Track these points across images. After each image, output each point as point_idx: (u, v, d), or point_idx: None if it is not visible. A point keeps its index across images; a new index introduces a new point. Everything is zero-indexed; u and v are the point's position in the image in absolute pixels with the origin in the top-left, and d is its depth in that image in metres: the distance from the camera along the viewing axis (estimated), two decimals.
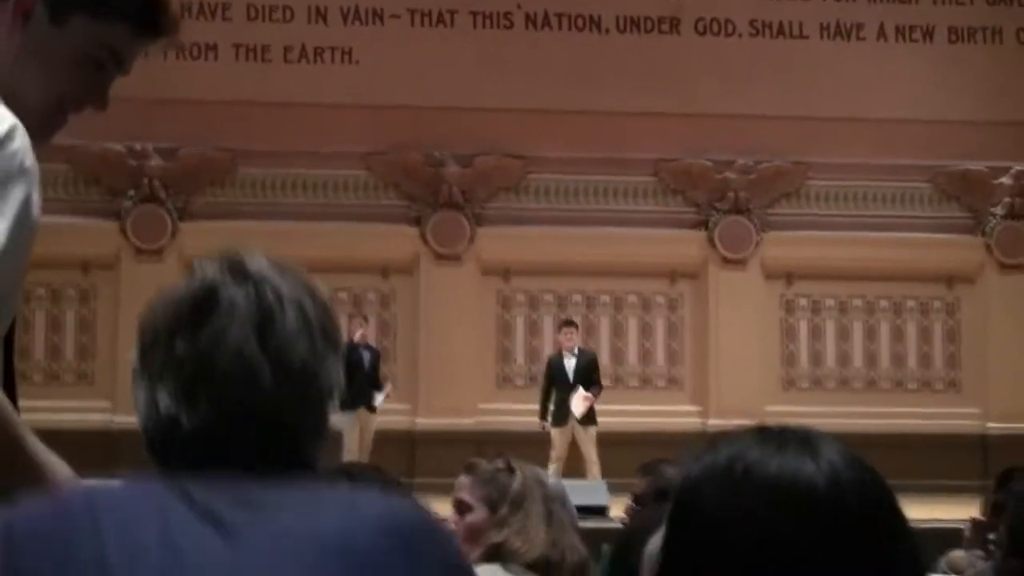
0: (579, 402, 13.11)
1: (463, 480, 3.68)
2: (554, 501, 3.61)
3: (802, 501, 1.36)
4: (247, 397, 1.50)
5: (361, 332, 13.87)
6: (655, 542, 1.48)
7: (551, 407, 13.37)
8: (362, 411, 13.54)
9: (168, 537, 1.40)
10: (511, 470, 3.60)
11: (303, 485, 1.50)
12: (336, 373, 1.57)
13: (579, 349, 13.68)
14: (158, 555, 1.39)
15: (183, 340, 1.52)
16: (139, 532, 1.40)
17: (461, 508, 3.61)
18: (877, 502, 1.41)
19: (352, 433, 13.40)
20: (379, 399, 13.78)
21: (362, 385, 13.48)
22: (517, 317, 15.77)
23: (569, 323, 14.06)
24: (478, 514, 3.56)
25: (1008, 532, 2.64)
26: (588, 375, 13.41)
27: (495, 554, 3.43)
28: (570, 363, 13.46)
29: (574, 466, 13.14)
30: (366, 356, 13.80)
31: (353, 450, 13.31)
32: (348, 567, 1.41)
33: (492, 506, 3.54)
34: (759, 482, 1.37)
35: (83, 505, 1.44)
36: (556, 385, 13.43)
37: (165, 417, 1.51)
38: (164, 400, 1.51)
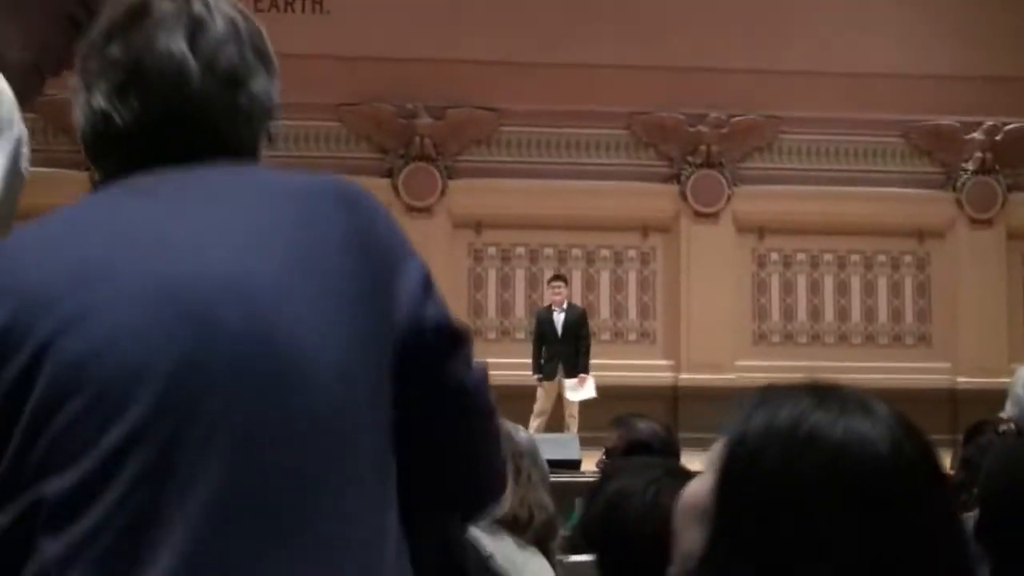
0: (579, 390, 13.19)
1: None
2: (523, 457, 3.58)
3: (867, 467, 1.38)
4: (177, 94, 1.55)
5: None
6: (694, 487, 1.47)
7: (540, 362, 13.41)
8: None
9: (111, 214, 1.48)
10: None
11: (232, 168, 1.57)
12: (270, 92, 1.64)
13: (568, 304, 13.71)
14: (103, 231, 1.46)
15: (116, 45, 1.57)
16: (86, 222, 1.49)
17: None
18: (933, 468, 1.43)
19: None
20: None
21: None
22: (489, 270, 15.74)
23: (558, 277, 14.07)
24: None
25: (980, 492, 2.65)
26: (577, 330, 13.46)
27: None
28: (559, 318, 13.49)
29: (551, 420, 13.20)
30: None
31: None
32: (294, 204, 1.50)
33: None
34: (825, 446, 1.38)
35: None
36: (545, 340, 13.46)
37: (99, 113, 1.56)
38: (98, 100, 1.56)
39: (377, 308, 1.48)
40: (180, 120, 1.55)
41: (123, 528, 1.30)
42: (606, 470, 2.61)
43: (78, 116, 1.59)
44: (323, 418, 1.39)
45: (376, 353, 1.46)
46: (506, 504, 3.41)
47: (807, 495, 1.36)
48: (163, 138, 1.55)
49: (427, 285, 1.54)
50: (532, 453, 3.76)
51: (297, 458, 1.37)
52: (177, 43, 1.57)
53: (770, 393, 1.47)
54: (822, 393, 1.46)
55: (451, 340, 1.56)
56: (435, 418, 1.55)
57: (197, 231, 1.44)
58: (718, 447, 1.46)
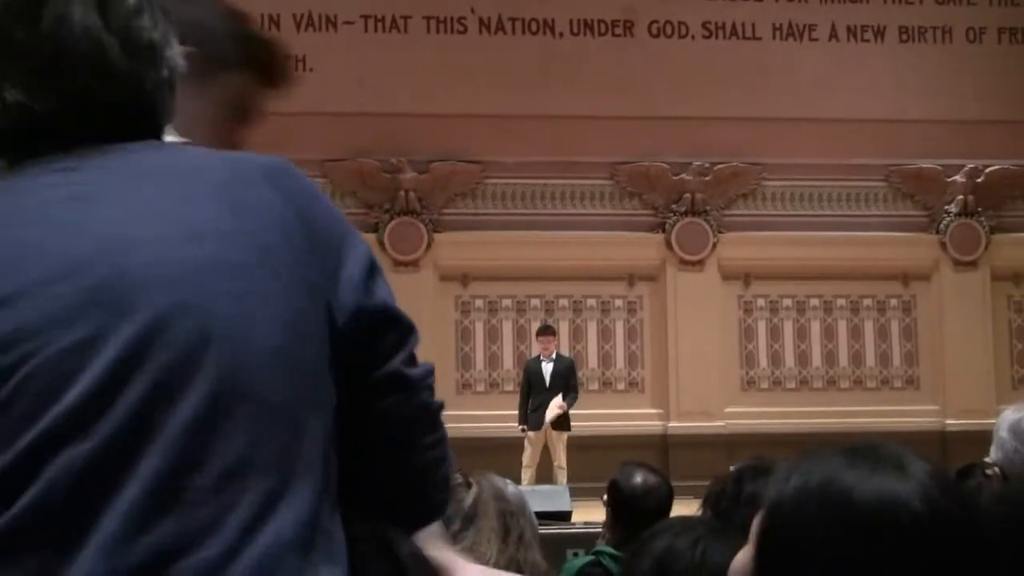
0: (553, 409, 13.21)
1: None
2: (513, 516, 3.55)
3: (901, 525, 1.36)
4: (97, 77, 1.45)
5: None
6: (740, 559, 1.47)
7: (527, 412, 13.42)
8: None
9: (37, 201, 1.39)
10: (468, 485, 3.55)
11: (155, 148, 1.50)
12: (178, 49, 1.55)
13: (557, 355, 13.74)
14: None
15: (22, 25, 1.44)
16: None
17: None
18: (967, 523, 1.42)
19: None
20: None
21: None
22: (476, 322, 15.74)
23: (547, 328, 14.09)
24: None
25: None
26: (565, 380, 13.47)
27: None
28: (547, 368, 13.51)
29: (541, 470, 13.17)
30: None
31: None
32: (224, 187, 1.45)
33: (445, 521, 3.47)
34: (858, 505, 1.37)
35: None
36: (533, 390, 13.48)
37: (14, 106, 1.43)
38: (11, 92, 1.43)
39: (319, 293, 1.44)
40: (103, 104, 1.46)
41: (52, 519, 1.26)
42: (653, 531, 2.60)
43: None
44: (265, 404, 1.35)
45: (317, 340, 1.42)
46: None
47: (842, 557, 1.35)
48: (86, 124, 1.45)
49: (372, 269, 1.52)
50: (523, 511, 3.73)
51: (235, 444, 1.32)
52: (90, 17, 1.45)
53: (807, 455, 1.45)
54: (857, 452, 1.44)
55: (396, 328, 1.53)
56: (377, 408, 1.52)
57: (122, 217, 1.38)
58: (758, 517, 1.46)
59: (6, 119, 1.44)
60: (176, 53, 1.54)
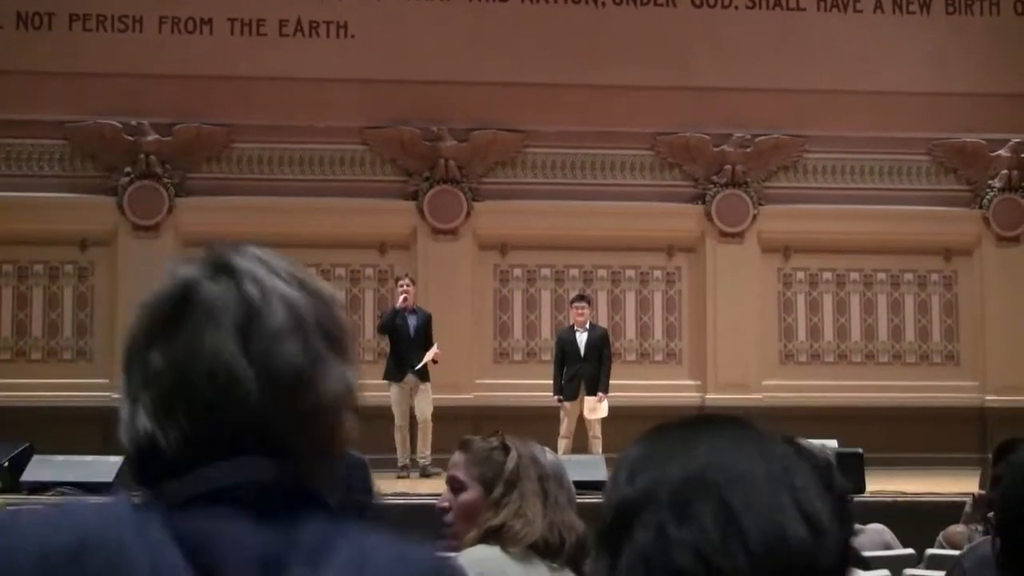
0: (594, 409, 13.17)
1: (457, 458, 3.66)
2: (549, 479, 3.56)
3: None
4: (228, 410, 1.34)
5: (404, 296, 13.33)
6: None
7: (562, 382, 13.38)
8: (412, 380, 13.21)
9: None
10: (506, 448, 3.58)
11: (301, 527, 1.33)
12: (344, 380, 1.40)
13: (591, 324, 13.69)
14: None
15: (158, 350, 1.36)
16: None
17: (455, 486, 3.59)
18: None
19: (400, 406, 13.19)
20: (426, 358, 13.16)
21: (407, 353, 13.21)
22: (515, 292, 15.75)
23: (581, 298, 14.03)
24: (472, 493, 3.54)
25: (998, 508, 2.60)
26: (599, 351, 13.44)
27: (494, 536, 3.42)
28: (582, 338, 13.46)
29: (578, 441, 13.18)
30: (412, 321, 13.34)
31: (403, 425, 13.18)
32: None
33: (487, 485, 3.52)
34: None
35: (70, 544, 1.29)
36: (567, 360, 13.44)
37: (144, 437, 1.35)
38: (142, 420, 1.36)
39: None
40: (233, 438, 1.33)
41: None
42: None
43: (121, 433, 1.38)
44: None
45: None
46: (537, 529, 3.41)
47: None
48: (214, 464, 1.33)
49: None
50: (559, 475, 3.75)
51: None
52: (226, 344, 1.34)
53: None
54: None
55: None
56: None
57: None
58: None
59: (137, 449, 1.36)
60: (338, 379, 1.39)
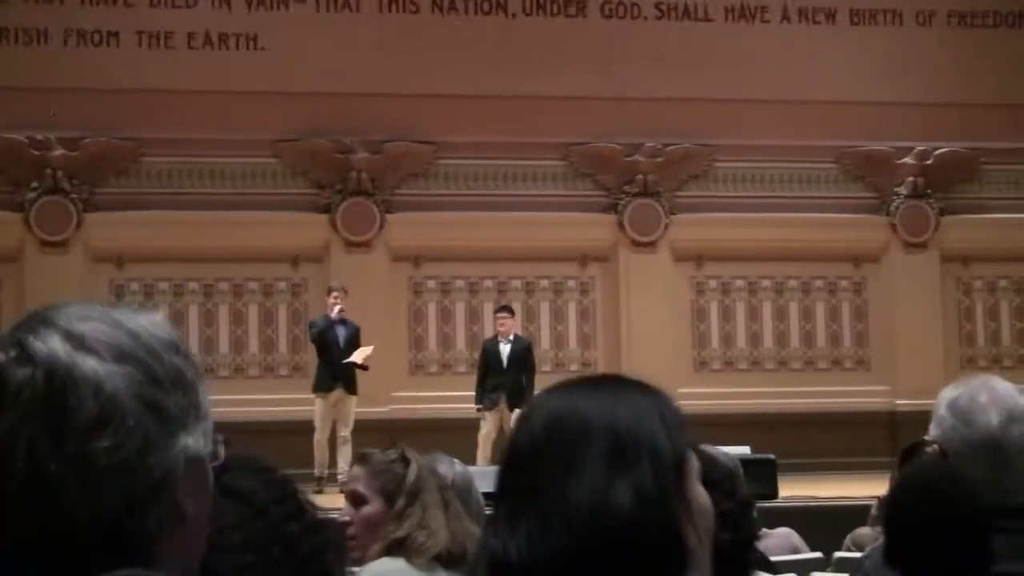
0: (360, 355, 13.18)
1: (356, 471, 3.65)
2: (448, 490, 3.59)
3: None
4: (49, 516, 1.19)
5: (339, 307, 13.33)
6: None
7: (483, 392, 13.37)
8: (339, 394, 13.24)
9: None
10: (405, 460, 3.58)
11: None
12: (182, 452, 1.25)
13: (515, 336, 13.70)
14: None
15: None
16: None
17: (356, 500, 3.58)
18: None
19: (324, 418, 13.21)
20: (355, 356, 13.14)
21: (337, 364, 13.18)
22: (429, 303, 15.72)
23: (504, 308, 14.05)
24: (374, 506, 3.54)
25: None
26: (523, 361, 13.46)
27: (398, 548, 3.41)
28: (505, 348, 13.48)
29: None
30: (342, 332, 13.34)
31: (323, 439, 13.16)
32: None
33: (388, 497, 3.51)
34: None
35: None
36: (490, 371, 13.43)
37: None
38: None
39: None
40: (61, 547, 1.20)
41: None
42: None
43: None
44: None
45: None
46: (440, 540, 3.40)
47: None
48: (48, 567, 1.20)
49: None
50: (463, 486, 3.75)
51: None
52: (39, 443, 1.19)
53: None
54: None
55: None
56: None
57: None
58: None
59: None
60: (171, 455, 1.24)
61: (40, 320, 1.26)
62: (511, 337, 13.62)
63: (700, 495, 1.47)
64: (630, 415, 1.45)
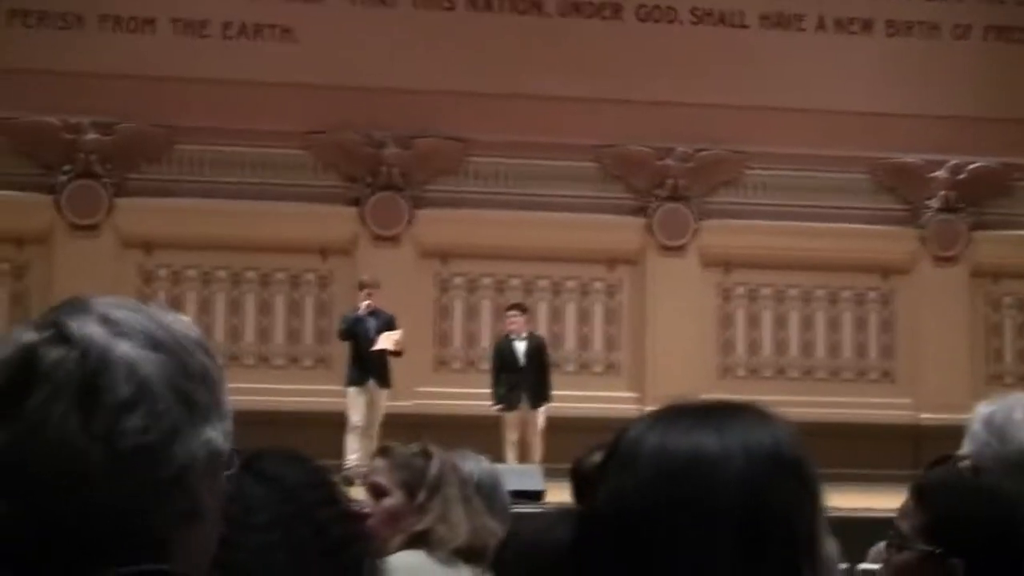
0: (386, 341, 13.10)
1: (378, 463, 3.67)
2: (468, 485, 3.60)
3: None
4: (73, 493, 1.21)
5: (367, 302, 13.28)
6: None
7: (502, 391, 13.32)
8: (372, 386, 13.20)
9: None
10: (427, 454, 3.58)
11: None
12: (207, 445, 1.27)
13: (528, 333, 13.67)
14: None
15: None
16: None
17: (377, 492, 3.59)
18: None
19: (356, 411, 13.13)
20: (381, 343, 13.07)
21: (367, 358, 13.17)
22: (455, 300, 15.72)
23: (515, 306, 14.02)
24: (395, 498, 3.55)
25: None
26: (539, 358, 13.43)
27: (419, 541, 3.41)
28: (520, 346, 13.43)
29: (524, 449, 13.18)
30: (373, 325, 13.25)
31: (359, 429, 13.05)
32: None
33: (409, 491, 3.51)
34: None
35: None
36: (506, 369, 13.39)
37: None
38: None
39: None
40: (81, 525, 1.21)
41: None
42: None
43: None
44: None
45: None
46: (461, 534, 3.41)
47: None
48: (61, 553, 1.21)
49: None
50: (489, 483, 3.76)
51: None
52: (68, 421, 1.21)
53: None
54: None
55: None
56: None
57: None
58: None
59: None
60: (198, 442, 1.26)
61: (77, 306, 1.28)
62: (524, 334, 13.58)
63: (828, 551, 1.33)
64: (761, 469, 1.27)
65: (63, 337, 1.25)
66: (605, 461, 1.34)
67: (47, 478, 1.21)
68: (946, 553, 2.39)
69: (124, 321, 1.27)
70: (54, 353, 1.24)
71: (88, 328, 1.26)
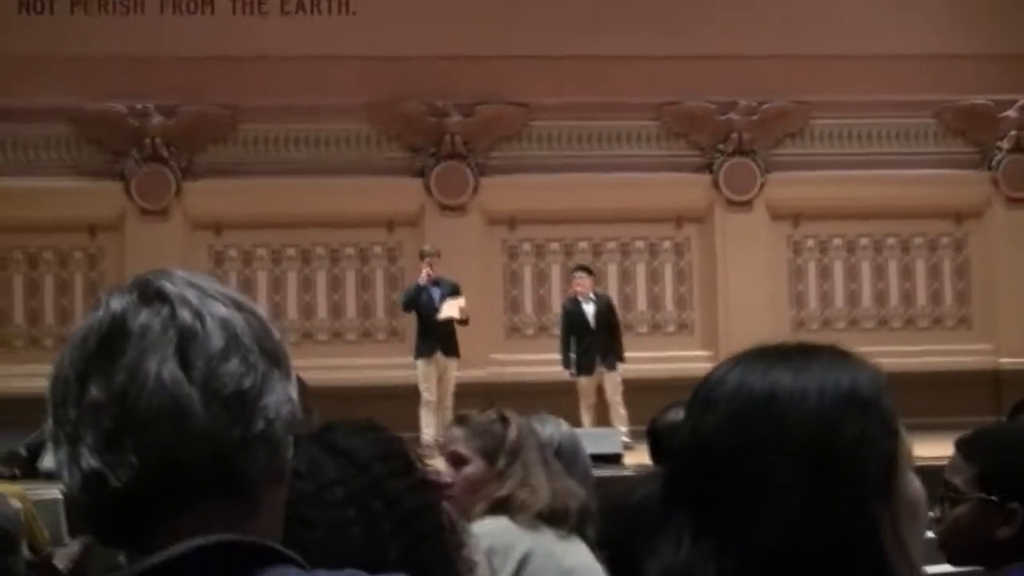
0: (452, 309, 13.09)
1: (456, 432, 3.67)
2: (546, 448, 3.62)
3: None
4: (177, 435, 1.27)
5: (427, 271, 13.28)
6: None
7: (573, 355, 13.29)
8: (440, 357, 13.20)
9: None
10: (504, 420, 3.59)
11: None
12: (288, 397, 1.34)
13: (595, 294, 13.63)
14: None
15: (95, 384, 1.29)
16: None
17: (456, 461, 3.60)
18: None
19: (426, 386, 13.13)
20: (444, 311, 13.08)
21: (432, 327, 13.17)
22: (524, 266, 15.73)
23: (580, 268, 13.98)
24: (475, 466, 3.56)
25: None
26: (609, 319, 13.39)
27: (501, 507, 3.43)
28: (589, 309, 13.39)
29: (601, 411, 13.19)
30: (436, 294, 13.23)
31: (431, 404, 13.08)
32: None
33: (489, 458, 3.53)
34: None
35: None
36: (576, 332, 13.36)
37: (89, 474, 1.27)
38: (86, 457, 1.28)
39: None
40: (185, 466, 1.27)
41: None
42: None
43: (64, 476, 1.30)
44: None
45: None
46: (542, 498, 3.43)
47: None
48: (165, 489, 1.28)
49: None
50: (570, 447, 3.77)
51: None
52: (168, 368, 1.28)
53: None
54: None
55: None
56: None
57: None
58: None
59: (84, 490, 1.29)
60: (281, 396, 1.33)
61: (162, 273, 1.36)
62: (592, 296, 13.54)
63: (911, 490, 1.36)
64: (833, 407, 1.31)
65: (156, 294, 1.32)
66: (690, 402, 1.39)
67: (153, 420, 1.27)
68: (1004, 499, 2.51)
69: (207, 286, 1.35)
70: (147, 313, 1.31)
71: (179, 288, 1.33)
